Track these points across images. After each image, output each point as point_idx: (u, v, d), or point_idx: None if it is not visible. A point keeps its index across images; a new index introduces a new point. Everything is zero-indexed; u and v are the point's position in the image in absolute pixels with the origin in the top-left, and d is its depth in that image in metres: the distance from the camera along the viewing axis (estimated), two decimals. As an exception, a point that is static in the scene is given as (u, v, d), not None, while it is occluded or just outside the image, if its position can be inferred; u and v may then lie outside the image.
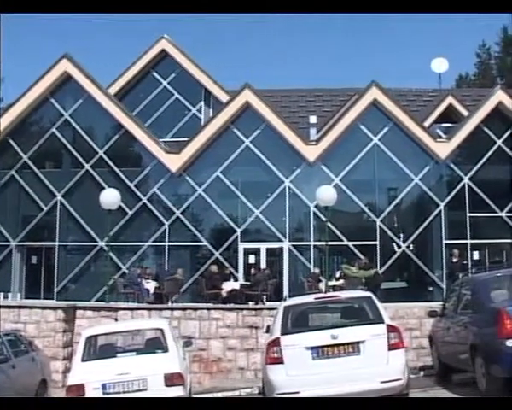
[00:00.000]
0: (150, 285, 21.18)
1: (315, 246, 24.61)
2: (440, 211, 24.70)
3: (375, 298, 10.58)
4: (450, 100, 29.25)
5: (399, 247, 24.67)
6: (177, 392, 9.96)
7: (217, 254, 24.77)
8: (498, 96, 24.97)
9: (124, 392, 9.84)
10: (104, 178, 24.98)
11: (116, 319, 17.02)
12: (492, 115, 24.87)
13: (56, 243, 25.21)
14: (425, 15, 57.28)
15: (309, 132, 27.89)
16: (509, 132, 25.00)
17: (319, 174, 24.53)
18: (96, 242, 24.79)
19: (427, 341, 14.51)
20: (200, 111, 29.01)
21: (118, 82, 29.12)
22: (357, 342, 9.58)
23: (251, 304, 19.33)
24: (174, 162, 25.00)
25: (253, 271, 22.68)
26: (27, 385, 12.26)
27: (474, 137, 24.88)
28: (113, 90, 28.24)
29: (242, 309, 17.36)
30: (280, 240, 24.86)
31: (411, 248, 24.68)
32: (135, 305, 18.91)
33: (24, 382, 12.10)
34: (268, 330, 11.46)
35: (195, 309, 17.29)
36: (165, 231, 25.09)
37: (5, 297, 23.01)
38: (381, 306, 10.33)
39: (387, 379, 9.33)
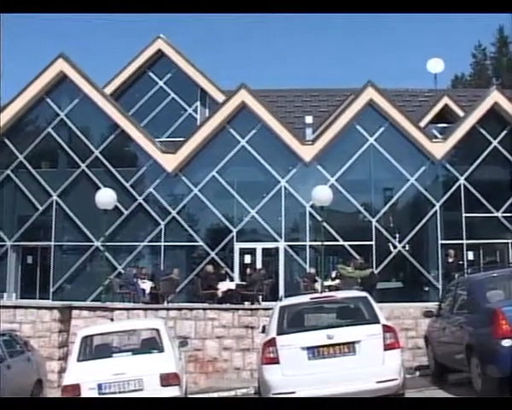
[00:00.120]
0: (146, 285, 21.16)
1: (311, 246, 24.62)
2: (436, 211, 24.74)
3: (370, 298, 10.59)
4: (445, 100, 29.32)
5: (395, 247, 24.70)
6: (172, 392, 9.96)
7: (212, 254, 24.78)
8: (494, 97, 25.01)
9: (119, 392, 9.84)
10: (100, 178, 24.94)
11: (112, 319, 16.98)
12: (488, 116, 24.90)
13: (52, 243, 25.19)
14: (423, 15, 57.38)
15: (305, 132, 27.89)
16: (504, 133, 25.05)
17: (315, 174, 24.54)
18: (91, 242, 24.76)
19: (422, 341, 14.54)
20: (196, 111, 29.00)
21: (114, 82, 29.09)
22: (353, 343, 9.59)
23: (247, 304, 19.32)
24: (170, 162, 24.99)
25: (248, 271, 22.69)
26: (23, 385, 12.24)
27: (470, 137, 24.91)
28: (109, 89, 28.20)
29: (238, 309, 17.34)
30: (276, 240, 24.87)
31: (407, 248, 24.72)
32: (131, 305, 18.87)
33: (19, 382, 12.07)
34: (264, 330, 11.45)
35: (191, 309, 17.27)
36: (160, 231, 25.08)
37: (0, 297, 22.98)
38: (376, 306, 10.33)
39: (383, 379, 9.33)
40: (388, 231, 24.86)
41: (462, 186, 24.76)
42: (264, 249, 25.08)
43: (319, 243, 20.64)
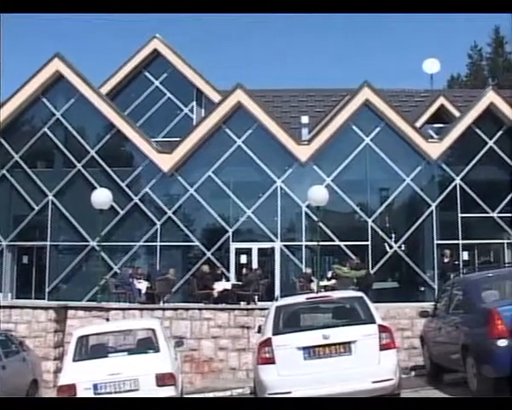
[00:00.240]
0: (142, 285, 21.15)
1: (306, 246, 24.62)
2: (432, 211, 24.76)
3: (366, 298, 10.59)
4: (441, 100, 29.33)
5: (391, 247, 24.72)
6: (168, 392, 9.97)
7: (208, 254, 24.75)
8: (490, 97, 25.04)
9: (115, 392, 9.84)
10: (96, 178, 24.90)
11: (107, 319, 16.99)
12: (484, 116, 24.93)
13: (48, 243, 25.14)
14: (420, 16, 57.48)
15: (301, 132, 27.90)
16: (500, 133, 25.09)
17: (311, 174, 24.54)
18: (87, 241, 24.70)
19: (418, 341, 14.55)
20: (192, 111, 28.95)
21: (110, 82, 29.01)
22: (349, 343, 9.59)
23: (242, 304, 19.34)
24: (166, 162, 24.96)
25: (244, 271, 22.72)
26: (18, 385, 12.23)
27: (466, 137, 24.94)
28: (104, 89, 28.14)
29: (234, 309, 17.36)
30: (272, 240, 24.86)
31: (403, 248, 24.72)
32: (126, 305, 18.88)
33: (15, 382, 12.06)
34: (259, 330, 11.45)
35: (187, 309, 17.28)
36: (156, 231, 25.05)
37: (-4, 297, 22.97)
38: (372, 306, 10.34)
39: (379, 379, 9.34)
40: (384, 232, 24.87)
41: (457, 186, 24.79)
42: (259, 249, 25.06)
43: (315, 243, 20.63)
